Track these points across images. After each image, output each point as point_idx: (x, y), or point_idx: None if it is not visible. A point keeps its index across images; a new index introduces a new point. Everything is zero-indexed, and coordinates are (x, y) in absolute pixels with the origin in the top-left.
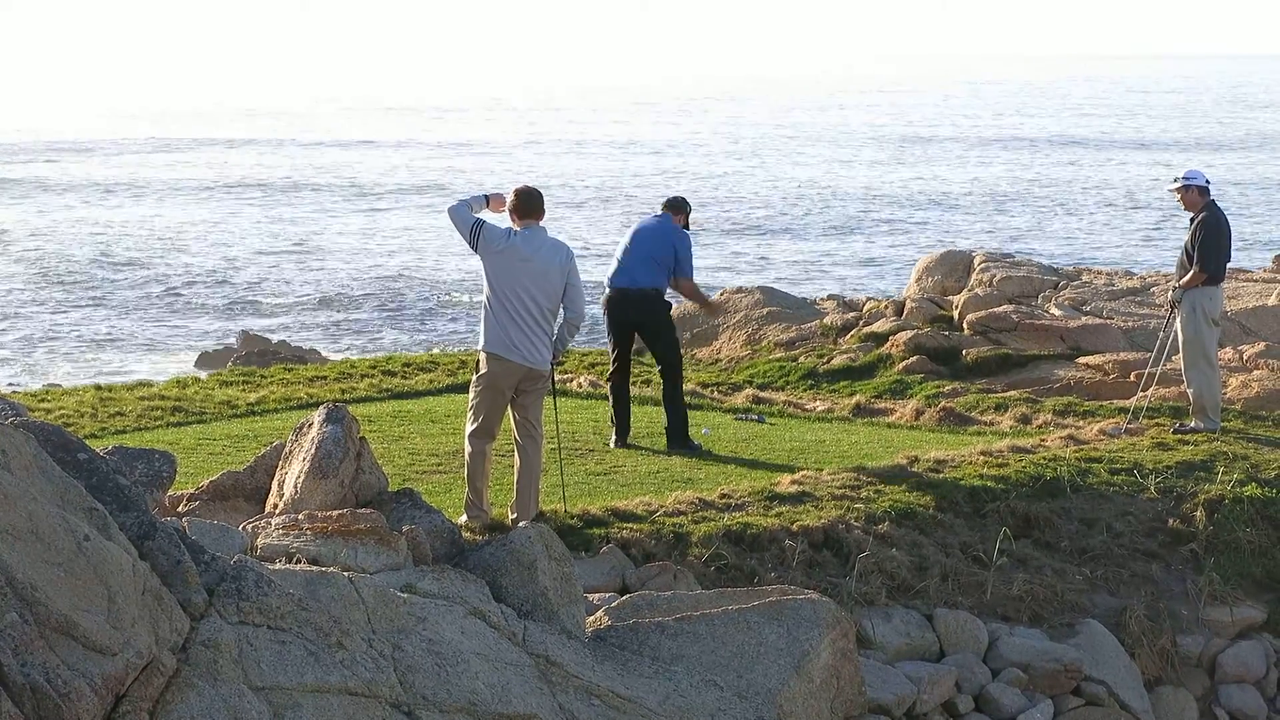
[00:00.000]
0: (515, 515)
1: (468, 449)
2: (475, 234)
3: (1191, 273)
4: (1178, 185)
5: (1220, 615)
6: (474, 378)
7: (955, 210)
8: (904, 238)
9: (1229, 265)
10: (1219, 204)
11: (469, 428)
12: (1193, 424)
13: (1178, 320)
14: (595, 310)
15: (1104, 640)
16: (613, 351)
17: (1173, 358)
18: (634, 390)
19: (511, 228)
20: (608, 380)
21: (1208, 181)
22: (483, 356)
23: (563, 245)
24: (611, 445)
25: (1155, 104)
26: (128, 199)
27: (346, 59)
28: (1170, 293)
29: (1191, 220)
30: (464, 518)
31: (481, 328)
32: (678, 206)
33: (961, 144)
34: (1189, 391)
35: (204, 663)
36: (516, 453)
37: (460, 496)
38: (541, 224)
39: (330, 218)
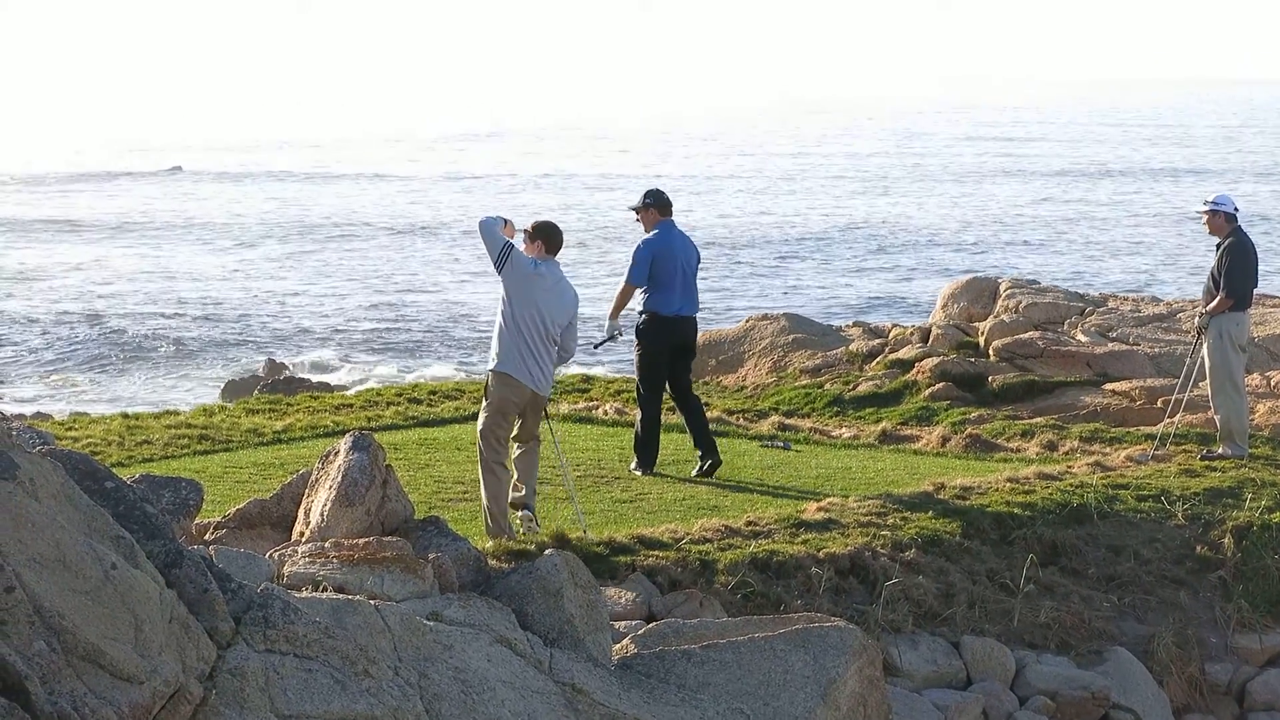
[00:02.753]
0: (521, 494)
1: (490, 482)
2: (505, 256)
3: (1218, 299)
4: (1205, 209)
5: (1249, 642)
6: (483, 404)
7: (980, 240)
8: (930, 265)
9: (1255, 291)
10: (1247, 230)
11: (488, 456)
12: (1220, 450)
13: (1204, 346)
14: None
15: (1132, 668)
16: (656, 377)
17: (1199, 384)
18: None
19: (534, 258)
20: (648, 405)
21: (1236, 208)
22: (494, 379)
23: (571, 285)
24: (640, 473)
25: (1171, 133)
26: (148, 236)
27: (359, 88)
28: (1196, 319)
29: (1218, 246)
30: (490, 541)
31: (495, 350)
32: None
33: (974, 176)
34: (1216, 418)
35: (231, 691)
36: (516, 449)
37: (484, 525)
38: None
39: (355, 252)
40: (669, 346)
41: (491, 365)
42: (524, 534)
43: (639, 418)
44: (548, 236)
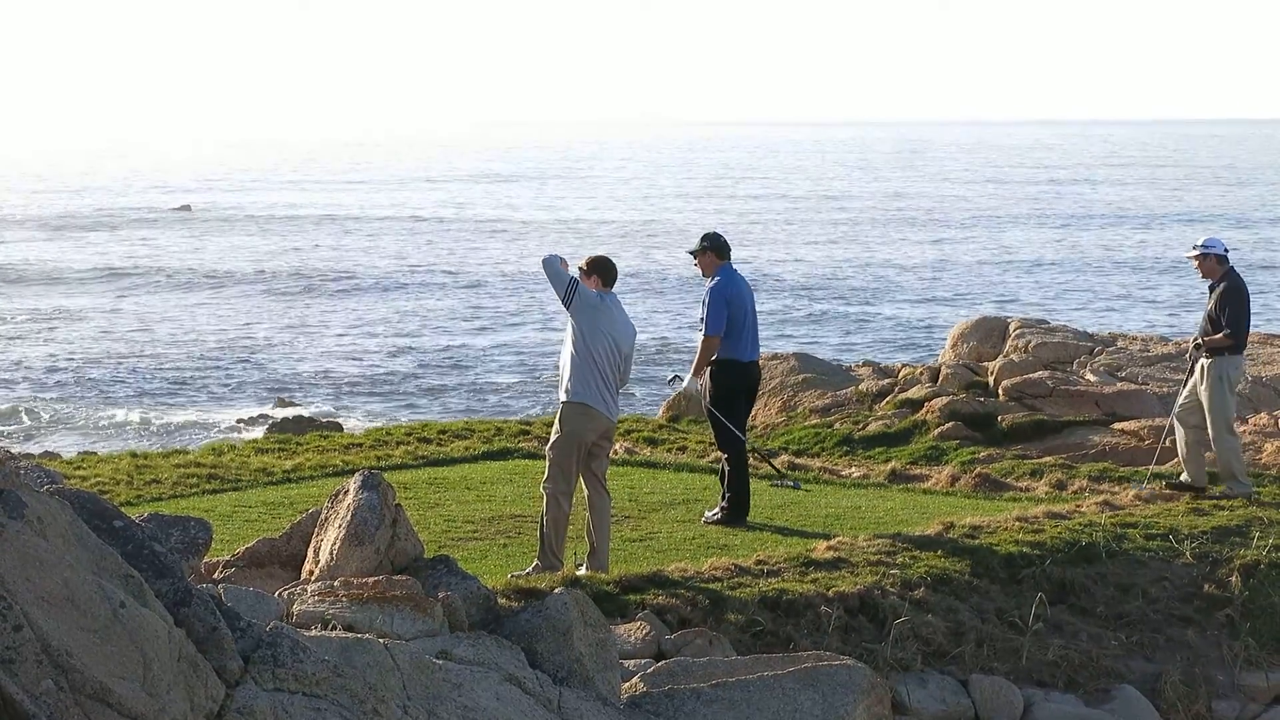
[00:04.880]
0: (590, 567)
1: (554, 509)
2: (571, 291)
3: (1221, 335)
4: (1196, 253)
5: (1256, 680)
6: (554, 437)
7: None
8: (940, 305)
9: (1253, 331)
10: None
11: (556, 486)
12: (1226, 489)
13: (1202, 383)
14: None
15: (1140, 706)
16: (735, 426)
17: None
18: (669, 457)
19: (596, 291)
20: (736, 458)
21: (1226, 249)
22: (569, 410)
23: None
24: (725, 525)
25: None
26: (160, 282)
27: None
28: (1193, 349)
29: (1211, 288)
30: (529, 570)
31: (569, 382)
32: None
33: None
34: (1218, 461)
35: None
36: (590, 509)
37: (496, 564)
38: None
39: (363, 294)
40: (743, 392)
41: (565, 398)
42: (588, 572)
43: (725, 469)
44: (604, 271)
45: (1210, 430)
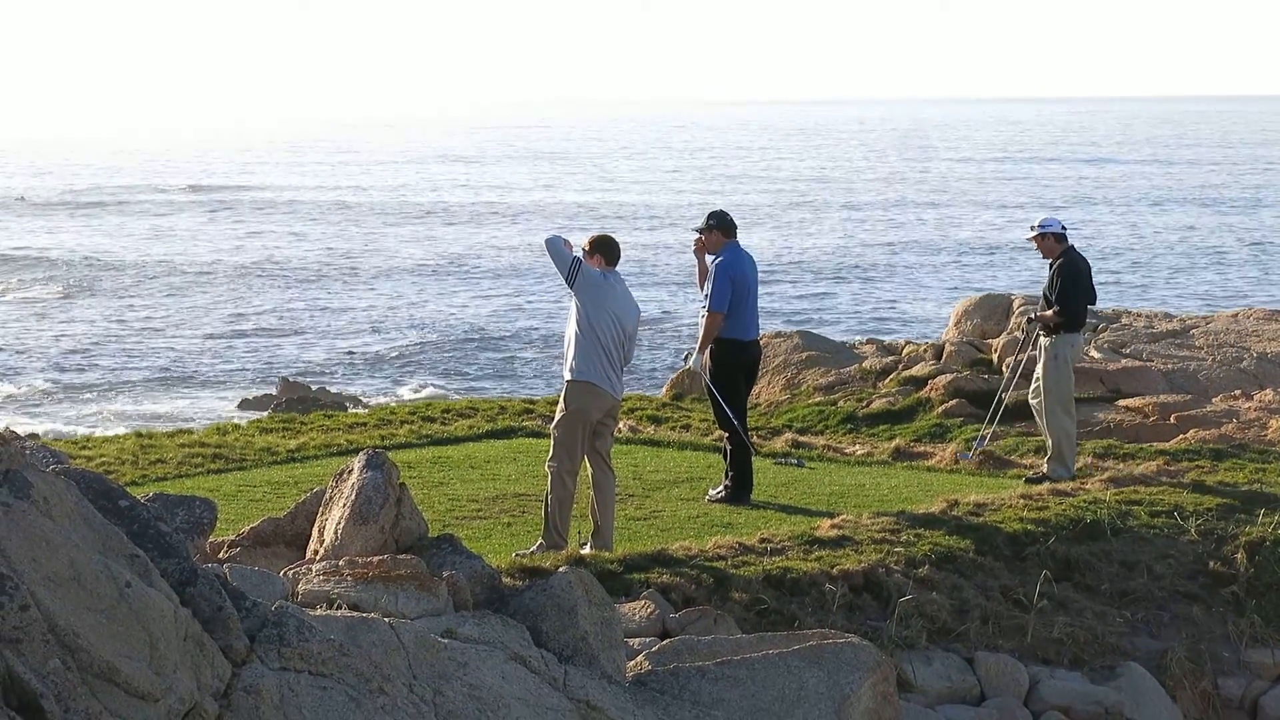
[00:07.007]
0: (594, 545)
1: (558, 488)
2: (575, 270)
3: (1050, 311)
4: (1034, 234)
5: (1262, 657)
6: (559, 416)
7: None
8: (943, 283)
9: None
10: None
11: (560, 465)
12: (1045, 471)
13: (1039, 359)
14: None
15: (1145, 683)
16: (735, 405)
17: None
18: (673, 435)
19: (601, 270)
20: (737, 438)
21: (1064, 227)
22: (574, 389)
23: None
24: (730, 504)
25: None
26: (167, 265)
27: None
28: (1026, 321)
29: (1050, 266)
30: (533, 549)
31: (573, 361)
32: (734, 226)
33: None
34: (1047, 441)
35: (246, 709)
36: (594, 488)
37: (500, 543)
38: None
39: (361, 278)
40: (743, 371)
41: (570, 376)
42: (593, 551)
43: (728, 448)
44: (606, 249)
45: (1044, 407)
